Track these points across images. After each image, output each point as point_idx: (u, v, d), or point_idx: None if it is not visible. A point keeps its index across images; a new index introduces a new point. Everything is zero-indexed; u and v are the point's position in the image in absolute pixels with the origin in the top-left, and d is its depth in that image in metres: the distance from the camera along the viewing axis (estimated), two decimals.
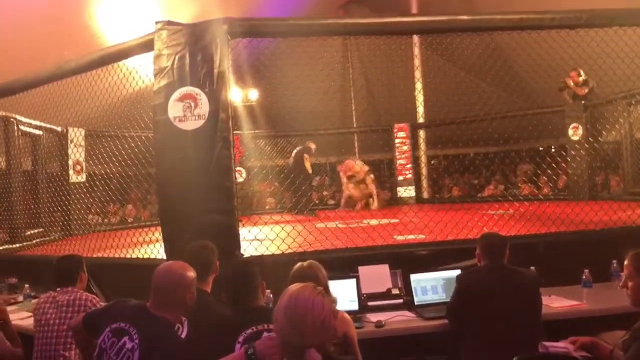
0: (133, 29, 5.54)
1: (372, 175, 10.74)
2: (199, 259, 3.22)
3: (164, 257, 4.30)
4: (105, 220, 9.39)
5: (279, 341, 1.96)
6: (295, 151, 10.39)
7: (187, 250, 3.38)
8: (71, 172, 8.17)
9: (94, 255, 5.42)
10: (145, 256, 4.93)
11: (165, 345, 2.41)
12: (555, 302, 3.85)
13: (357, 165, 10.70)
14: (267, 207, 11.76)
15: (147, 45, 4.48)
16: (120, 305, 2.63)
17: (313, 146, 10.50)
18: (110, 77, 5.41)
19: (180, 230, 4.12)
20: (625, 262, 2.41)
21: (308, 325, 1.89)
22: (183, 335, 2.83)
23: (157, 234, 4.68)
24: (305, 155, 10.25)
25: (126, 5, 8.89)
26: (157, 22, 4.39)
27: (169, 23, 4.37)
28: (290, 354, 1.93)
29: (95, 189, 8.46)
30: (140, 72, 5.15)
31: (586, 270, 4.17)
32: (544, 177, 10.26)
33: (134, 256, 5.15)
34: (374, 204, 10.51)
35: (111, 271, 4.88)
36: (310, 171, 10.51)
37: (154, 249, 4.85)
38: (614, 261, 4.18)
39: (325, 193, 12.78)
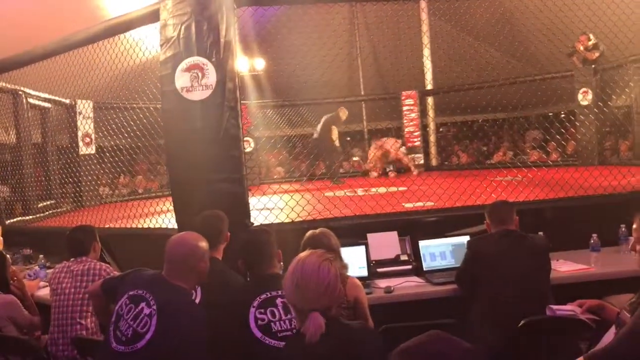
0: (136, 2, 5.51)
1: (403, 149, 10.78)
2: (210, 228, 3.27)
3: (175, 226, 4.36)
4: (116, 191, 9.48)
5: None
6: (323, 119, 9.98)
7: (198, 220, 3.42)
8: (80, 144, 8.22)
9: (106, 226, 5.49)
10: (157, 226, 4.99)
11: (183, 312, 2.46)
12: (563, 267, 3.89)
13: (393, 147, 10.72)
14: (275, 177, 11.80)
15: (152, 16, 4.46)
16: (137, 273, 2.68)
17: (343, 115, 10.12)
18: (117, 48, 5.40)
19: (190, 200, 4.15)
20: (634, 225, 2.42)
21: (311, 288, 1.94)
22: (197, 301, 2.90)
23: (168, 204, 4.73)
24: (333, 127, 9.90)
25: None
26: None
27: None
28: (296, 316, 2.00)
29: (106, 160, 8.51)
30: (147, 43, 5.13)
31: (594, 235, 4.20)
32: (552, 143, 10.21)
33: (145, 226, 5.21)
34: (414, 172, 10.59)
35: (124, 241, 4.95)
36: (337, 143, 10.18)
37: (165, 219, 4.91)
38: (622, 225, 4.19)
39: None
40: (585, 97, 8.99)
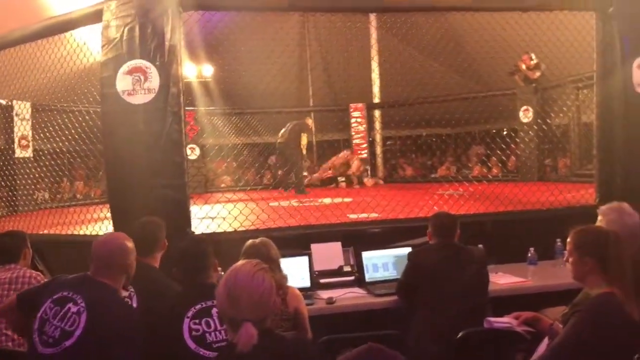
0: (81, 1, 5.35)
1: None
2: (146, 235, 3.19)
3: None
4: (58, 196, 9.12)
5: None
6: (289, 126, 9.71)
7: (135, 226, 3.32)
8: (16, 146, 7.89)
9: (41, 232, 5.27)
10: (94, 233, 4.82)
11: (112, 307, 2.42)
12: (501, 279, 3.96)
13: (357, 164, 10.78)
14: (222, 185, 11.65)
15: (95, 16, 4.32)
16: (59, 279, 2.60)
17: (310, 122, 10.08)
18: (57, 49, 5.22)
19: (129, 207, 4.02)
20: (568, 239, 2.49)
21: (244, 298, 1.89)
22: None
23: (107, 212, 4.57)
24: (303, 134, 9.66)
25: None
26: None
27: None
28: (228, 327, 1.94)
29: (42, 164, 8.18)
30: (90, 45, 4.98)
31: (531, 249, 4.30)
32: (494, 159, 10.49)
33: (82, 233, 5.02)
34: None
35: (58, 248, 4.76)
36: (305, 151, 9.95)
37: (103, 226, 4.74)
38: (558, 240, 4.32)
39: (280, 172, 12.72)
40: (526, 115, 9.29)
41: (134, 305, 2.83)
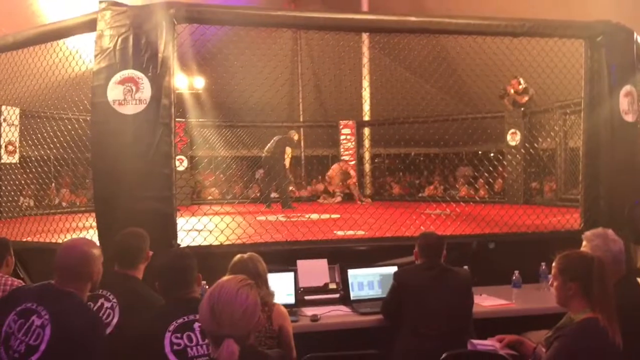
0: (74, 10, 5.33)
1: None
2: (130, 246, 3.16)
3: (98, 243, 4.16)
4: (43, 203, 9.02)
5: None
6: (274, 141, 9.60)
7: (118, 237, 3.29)
8: (3, 152, 7.81)
9: (24, 240, 5.20)
10: None
11: (76, 316, 2.35)
12: (486, 301, 3.97)
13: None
14: (209, 198, 11.61)
15: (89, 25, 4.32)
16: (21, 290, 2.56)
17: (295, 136, 9.87)
18: (49, 56, 5.20)
19: (115, 217, 3.99)
20: (553, 263, 2.51)
21: (227, 314, 1.87)
22: (115, 321, 2.77)
23: (92, 220, 4.53)
24: (287, 148, 9.56)
25: None
26: (100, 2, 4.24)
27: (114, 4, 4.22)
28: (210, 342, 1.92)
29: (28, 171, 8.11)
30: (82, 54, 4.97)
31: (516, 272, 4.32)
32: (481, 180, 10.57)
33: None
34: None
35: (42, 256, 4.69)
36: (288, 165, 9.75)
37: (88, 235, 4.69)
38: (543, 263, 4.34)
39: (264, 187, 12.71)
40: (513, 138, 9.39)
41: (116, 317, 2.80)
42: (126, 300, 2.81)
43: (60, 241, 4.98)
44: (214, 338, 1.90)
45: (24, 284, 3.40)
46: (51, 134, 7.14)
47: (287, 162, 9.62)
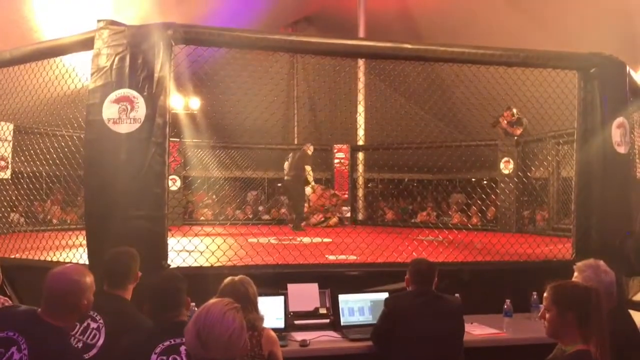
0: (70, 27, 5.35)
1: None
2: (119, 266, 3.13)
3: (87, 262, 4.13)
4: (34, 220, 8.94)
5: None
6: (292, 159, 9.56)
7: (107, 256, 3.26)
8: None
9: (12, 256, 5.14)
10: (67, 260, 4.71)
11: (55, 355, 2.29)
12: (476, 330, 3.95)
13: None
14: (201, 219, 11.56)
15: (86, 43, 4.34)
16: (8, 312, 2.49)
17: (311, 149, 9.72)
18: (45, 73, 5.21)
19: (105, 235, 3.96)
20: (545, 294, 2.49)
21: (213, 338, 1.85)
22: (100, 342, 2.72)
23: (82, 238, 4.49)
24: (306, 166, 9.52)
25: (65, 3, 8.58)
26: (99, 21, 4.27)
27: (112, 23, 4.25)
28: None
29: (20, 187, 8.04)
30: (78, 71, 4.98)
31: (507, 300, 4.30)
32: (474, 208, 10.59)
33: (54, 260, 4.91)
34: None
35: (29, 273, 4.63)
36: (311, 179, 9.72)
37: (77, 254, 4.65)
38: (534, 293, 4.33)
39: (260, 208, 12.70)
40: (507, 167, 9.44)
41: (101, 339, 2.75)
42: (113, 321, 2.77)
43: (49, 259, 4.93)
44: None
45: (10, 302, 3.34)
46: (44, 150, 7.10)
47: (310, 179, 9.59)
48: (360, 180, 11.88)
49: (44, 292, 2.40)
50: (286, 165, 9.67)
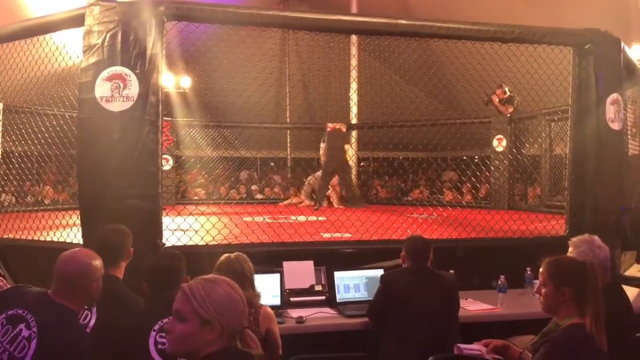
0: (58, 3, 5.26)
1: None
2: (111, 243, 3.12)
3: (81, 241, 4.12)
4: (26, 200, 8.88)
5: None
6: (329, 140, 9.84)
7: (99, 234, 3.25)
8: None
9: (5, 236, 5.13)
10: (61, 240, 4.70)
11: (65, 334, 2.30)
12: (471, 306, 3.98)
13: None
14: (194, 198, 11.55)
15: (77, 20, 4.27)
16: (18, 291, 2.49)
17: (344, 127, 10.00)
18: (35, 51, 5.13)
19: (99, 215, 3.94)
20: (541, 269, 2.51)
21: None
22: (92, 323, 2.72)
23: (75, 218, 4.47)
24: (346, 145, 9.83)
25: None
26: None
27: None
28: None
29: (11, 166, 7.98)
30: (69, 49, 4.91)
31: (502, 276, 4.33)
32: (467, 185, 10.62)
33: (48, 239, 4.90)
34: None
35: (23, 253, 4.63)
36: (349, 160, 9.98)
37: (71, 233, 4.64)
38: (528, 269, 4.36)
39: (254, 187, 12.68)
40: (500, 144, 9.46)
41: (93, 319, 2.75)
42: (104, 302, 2.74)
43: (42, 238, 4.92)
44: None
45: (4, 281, 3.33)
46: (35, 129, 7.03)
47: (348, 158, 9.83)
48: (354, 159, 11.87)
49: (54, 274, 2.42)
50: (324, 146, 9.86)
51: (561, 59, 5.13)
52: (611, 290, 2.85)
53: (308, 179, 11.13)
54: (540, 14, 8.71)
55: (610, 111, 4.85)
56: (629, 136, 5.86)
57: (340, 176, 9.83)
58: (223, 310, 1.72)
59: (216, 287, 1.75)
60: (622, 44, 5.12)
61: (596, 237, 3.06)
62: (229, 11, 4.52)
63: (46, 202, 9.31)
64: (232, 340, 1.75)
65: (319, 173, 10.72)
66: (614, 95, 4.89)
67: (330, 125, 10.00)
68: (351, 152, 9.92)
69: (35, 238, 4.98)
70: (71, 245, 4.28)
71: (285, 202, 11.06)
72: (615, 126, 4.91)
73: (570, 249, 3.06)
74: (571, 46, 4.97)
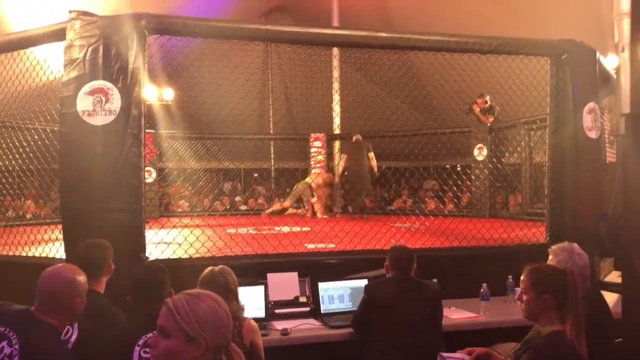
0: (40, 17, 5.22)
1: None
2: (92, 257, 3.10)
3: (63, 256, 4.09)
4: (7, 214, 8.77)
5: None
6: (351, 151, 9.79)
7: (79, 248, 3.23)
8: None
9: None
10: (43, 255, 4.66)
11: (47, 352, 2.28)
12: (454, 314, 4.02)
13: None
14: (178, 210, 11.49)
15: (58, 34, 4.27)
16: (0, 309, 2.46)
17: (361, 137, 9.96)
18: (16, 65, 5.10)
19: (82, 229, 3.92)
20: (522, 277, 2.55)
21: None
22: (73, 338, 2.70)
23: (57, 232, 4.44)
24: (370, 154, 9.74)
25: None
26: (70, 11, 4.19)
27: (84, 13, 4.18)
28: None
29: None
30: (50, 63, 4.89)
31: (484, 284, 4.38)
32: (449, 194, 10.70)
33: (30, 254, 4.85)
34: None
35: (3, 270, 4.58)
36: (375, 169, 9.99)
37: (53, 248, 4.60)
38: (510, 276, 4.42)
39: (237, 199, 12.66)
40: (480, 153, 9.56)
41: (75, 334, 2.73)
42: (86, 317, 2.71)
43: (24, 254, 4.87)
44: None
45: None
46: (17, 144, 6.97)
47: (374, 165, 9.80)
48: (338, 169, 11.91)
49: (37, 290, 2.40)
50: (345, 157, 9.84)
51: (539, 69, 5.22)
52: (591, 297, 2.90)
53: (297, 186, 11.07)
54: (517, 25, 8.86)
55: (587, 120, 4.94)
56: (607, 144, 5.96)
57: (364, 186, 9.82)
58: (208, 327, 1.70)
59: (200, 303, 1.74)
60: (598, 54, 5.23)
61: (575, 245, 3.11)
62: (211, 25, 4.55)
63: (28, 216, 9.21)
64: (217, 354, 1.75)
65: (308, 180, 10.74)
66: (591, 104, 4.98)
67: (355, 136, 10.02)
68: (371, 155, 9.85)
69: (17, 253, 4.92)
70: (53, 260, 4.25)
71: (267, 211, 11.00)
72: (593, 134, 5.00)
73: (550, 257, 3.11)
74: (548, 57, 5.06)
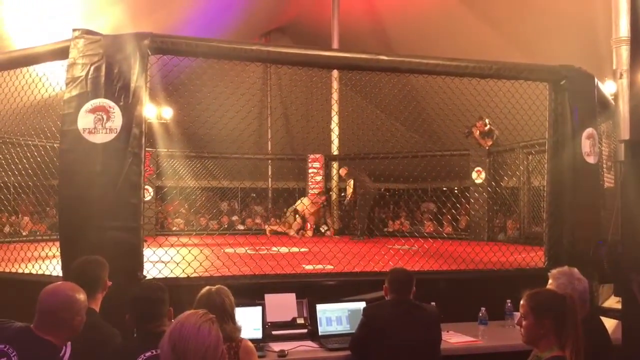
0: (43, 34, 5.26)
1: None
2: (87, 274, 3.08)
3: (60, 274, 4.07)
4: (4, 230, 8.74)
5: None
6: (360, 173, 10.31)
7: (75, 265, 3.20)
8: None
9: None
10: (40, 272, 4.63)
11: None
12: (453, 338, 3.99)
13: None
14: (174, 229, 11.46)
15: (61, 52, 4.30)
16: (0, 326, 2.46)
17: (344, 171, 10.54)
18: (17, 81, 5.13)
19: (80, 247, 3.89)
20: (522, 302, 2.54)
21: (190, 352, 1.82)
22: (67, 356, 2.67)
23: (55, 249, 4.42)
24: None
25: (35, 11, 8.47)
26: (74, 30, 4.23)
27: (88, 32, 4.22)
28: None
29: None
30: (51, 79, 4.92)
31: (483, 308, 4.36)
32: (447, 216, 10.70)
33: (27, 272, 4.82)
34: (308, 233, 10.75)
35: (1, 287, 4.54)
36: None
37: (50, 265, 4.57)
38: (509, 301, 4.40)
39: (234, 218, 12.63)
40: (479, 176, 9.58)
41: (68, 352, 2.70)
42: (80, 334, 2.71)
43: (21, 271, 4.84)
44: None
45: None
46: (16, 160, 6.97)
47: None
48: (335, 190, 11.92)
49: (37, 308, 2.41)
50: (352, 183, 10.38)
51: (537, 94, 5.26)
52: (590, 322, 2.88)
53: (295, 206, 11.15)
54: (514, 50, 8.95)
55: (585, 145, 4.97)
56: (605, 169, 5.98)
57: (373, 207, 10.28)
58: None
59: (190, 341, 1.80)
60: (596, 79, 5.28)
61: (575, 270, 3.11)
62: (214, 45, 4.59)
63: (24, 233, 9.18)
64: None
65: (306, 200, 10.94)
66: (589, 130, 5.01)
67: (341, 169, 10.50)
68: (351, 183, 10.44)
69: (14, 270, 4.89)
70: (50, 277, 4.23)
71: (268, 230, 11.07)
72: (591, 160, 5.02)
73: (549, 281, 3.10)
74: (547, 82, 5.11)
